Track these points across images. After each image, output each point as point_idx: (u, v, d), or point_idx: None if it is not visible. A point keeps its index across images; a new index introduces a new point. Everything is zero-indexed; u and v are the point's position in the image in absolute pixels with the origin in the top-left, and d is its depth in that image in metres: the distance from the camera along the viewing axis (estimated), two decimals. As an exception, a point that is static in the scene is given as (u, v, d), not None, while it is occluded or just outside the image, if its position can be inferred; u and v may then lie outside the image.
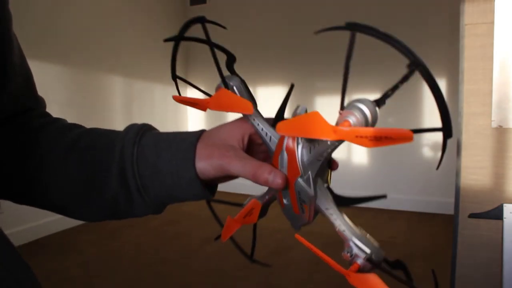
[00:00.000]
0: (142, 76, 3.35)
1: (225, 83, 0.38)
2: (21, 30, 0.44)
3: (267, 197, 0.39)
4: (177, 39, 0.38)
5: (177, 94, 0.42)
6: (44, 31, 2.62)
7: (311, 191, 0.33)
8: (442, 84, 3.04)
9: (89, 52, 2.94)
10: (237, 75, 0.39)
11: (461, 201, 1.26)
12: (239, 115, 0.39)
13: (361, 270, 0.31)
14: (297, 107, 0.33)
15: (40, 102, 0.46)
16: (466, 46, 1.22)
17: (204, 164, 0.35)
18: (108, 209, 0.39)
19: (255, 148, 0.40)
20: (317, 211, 0.35)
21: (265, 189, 0.38)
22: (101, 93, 3.10)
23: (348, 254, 0.31)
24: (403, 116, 3.13)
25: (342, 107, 0.29)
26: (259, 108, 0.38)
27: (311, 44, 3.43)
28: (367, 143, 0.24)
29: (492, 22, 1.18)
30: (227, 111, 0.37)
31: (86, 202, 0.39)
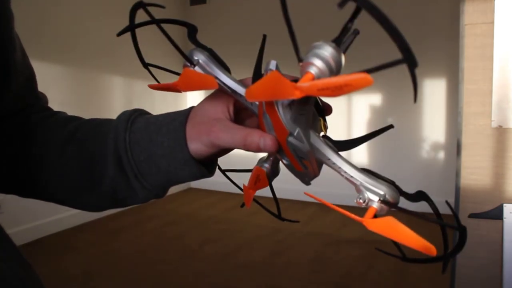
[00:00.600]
0: (142, 76, 3.35)
1: (188, 60, 0.36)
2: (22, 30, 0.44)
3: (271, 158, 0.38)
4: (130, 29, 0.37)
5: (153, 86, 0.40)
6: (44, 31, 2.62)
7: (305, 146, 0.32)
8: (442, 84, 3.04)
9: (89, 52, 2.94)
10: (202, 46, 0.37)
11: (461, 201, 1.26)
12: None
13: (378, 214, 0.29)
14: (268, 63, 0.32)
15: (40, 99, 0.46)
16: (466, 46, 1.22)
17: (196, 144, 0.35)
18: (109, 198, 0.39)
19: (244, 113, 0.39)
20: (321, 163, 0.34)
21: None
22: (101, 93, 3.10)
23: (361, 200, 0.30)
24: (403, 116, 3.13)
25: (300, 59, 0.27)
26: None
27: (312, 44, 3.42)
28: (330, 94, 0.23)
29: (492, 22, 1.18)
30: (196, 90, 0.35)
31: (86, 192, 0.39)
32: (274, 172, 0.40)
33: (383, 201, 0.29)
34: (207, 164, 0.39)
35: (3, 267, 0.31)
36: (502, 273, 0.75)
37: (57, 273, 2.08)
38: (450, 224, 0.28)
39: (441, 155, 3.10)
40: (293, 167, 0.35)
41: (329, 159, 0.32)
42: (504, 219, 0.96)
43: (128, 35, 0.36)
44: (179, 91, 0.37)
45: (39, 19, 2.59)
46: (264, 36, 0.34)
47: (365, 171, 0.31)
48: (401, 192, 0.30)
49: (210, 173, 0.40)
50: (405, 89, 3.13)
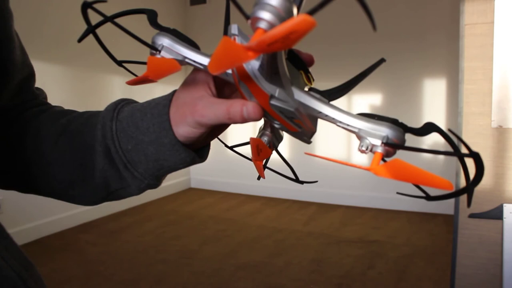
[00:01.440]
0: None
1: (152, 48, 0.35)
2: (21, 29, 0.44)
3: (268, 125, 0.37)
4: (89, 32, 0.36)
5: (130, 82, 0.40)
6: (44, 31, 2.62)
7: (290, 105, 0.30)
8: (442, 84, 3.04)
9: (89, 52, 2.94)
10: (166, 29, 0.36)
11: (461, 201, 1.26)
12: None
13: (386, 158, 0.27)
14: (229, 28, 0.30)
15: (38, 95, 0.46)
16: (466, 46, 1.22)
17: (183, 127, 0.34)
18: (103, 190, 0.39)
19: (228, 89, 0.38)
20: (315, 118, 0.32)
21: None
22: (101, 93, 3.10)
23: (363, 148, 0.27)
24: (402, 116, 3.13)
25: (246, 16, 0.24)
26: None
27: (311, 45, 3.42)
28: (281, 46, 0.21)
29: (492, 22, 1.18)
30: (164, 76, 0.34)
31: (80, 185, 0.39)
32: (277, 138, 0.38)
33: (387, 143, 0.27)
34: (200, 149, 0.39)
35: (4, 265, 0.31)
36: (502, 273, 0.75)
37: (57, 273, 2.08)
38: (463, 153, 0.26)
39: (441, 155, 3.09)
40: (287, 129, 0.33)
41: (320, 112, 0.29)
42: (504, 219, 0.96)
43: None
44: (154, 81, 0.36)
45: (39, 18, 2.59)
46: (228, 3, 0.33)
47: (362, 115, 0.29)
48: (407, 129, 0.28)
49: (201, 158, 0.39)
50: (404, 89, 3.13)
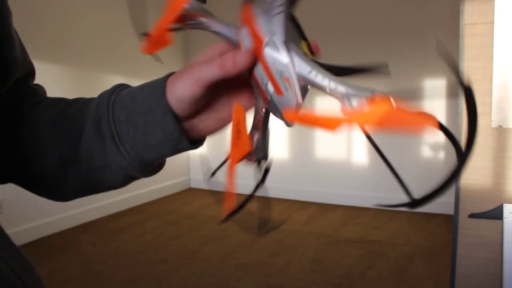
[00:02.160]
0: (142, 76, 3.35)
1: None
2: (20, 29, 0.44)
3: (260, 127, 0.36)
4: None
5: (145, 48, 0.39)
6: (44, 32, 2.62)
7: (283, 56, 0.30)
8: (442, 84, 3.04)
9: (89, 52, 2.94)
10: None
11: (461, 201, 1.26)
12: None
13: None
14: None
15: (37, 90, 0.46)
16: (466, 46, 1.22)
17: (178, 86, 0.34)
18: (84, 164, 0.38)
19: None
20: (304, 88, 0.31)
21: None
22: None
23: (347, 105, 0.27)
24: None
25: None
26: None
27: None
28: None
29: (492, 22, 1.18)
30: (179, 12, 0.35)
31: (71, 168, 0.39)
32: (262, 148, 0.37)
33: (372, 96, 0.26)
34: (194, 142, 0.39)
35: (3, 266, 0.31)
36: (502, 273, 0.75)
37: (57, 273, 2.08)
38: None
39: (441, 155, 3.10)
40: (275, 95, 0.32)
41: (310, 72, 0.29)
42: (504, 219, 0.96)
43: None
44: (169, 42, 0.36)
45: (38, 17, 2.59)
46: None
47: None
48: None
49: (193, 145, 0.38)
50: (404, 88, 3.12)
